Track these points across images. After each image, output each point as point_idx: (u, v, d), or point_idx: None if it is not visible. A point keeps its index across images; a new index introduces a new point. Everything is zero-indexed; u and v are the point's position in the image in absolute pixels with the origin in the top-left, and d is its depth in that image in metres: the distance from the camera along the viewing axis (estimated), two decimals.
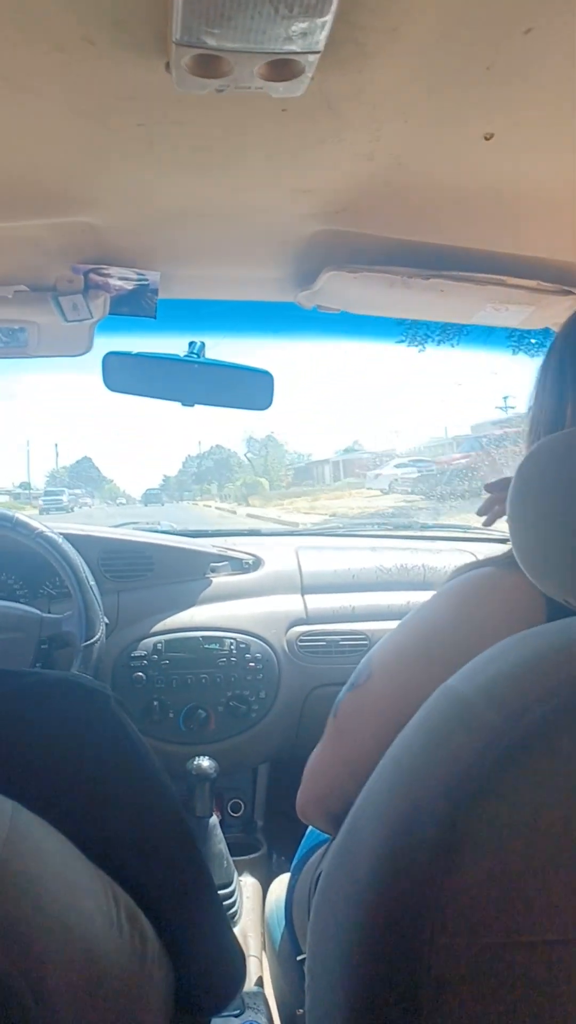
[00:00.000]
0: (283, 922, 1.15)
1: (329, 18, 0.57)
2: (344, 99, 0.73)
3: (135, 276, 1.14)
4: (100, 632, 1.51)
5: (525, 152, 0.84)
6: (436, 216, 1.00)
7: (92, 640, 1.49)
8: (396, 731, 0.61)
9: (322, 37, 0.59)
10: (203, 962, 0.69)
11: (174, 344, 1.28)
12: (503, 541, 2.03)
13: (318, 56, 0.62)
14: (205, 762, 1.40)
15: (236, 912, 1.47)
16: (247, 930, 1.47)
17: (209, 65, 0.63)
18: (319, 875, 1.03)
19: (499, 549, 2.03)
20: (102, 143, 0.81)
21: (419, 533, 2.27)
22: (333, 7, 0.56)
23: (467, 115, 0.77)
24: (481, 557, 1.89)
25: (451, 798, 0.49)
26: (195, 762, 1.42)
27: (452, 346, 1.35)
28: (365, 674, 0.83)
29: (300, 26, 0.58)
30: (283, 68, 0.64)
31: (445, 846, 0.48)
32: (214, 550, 1.91)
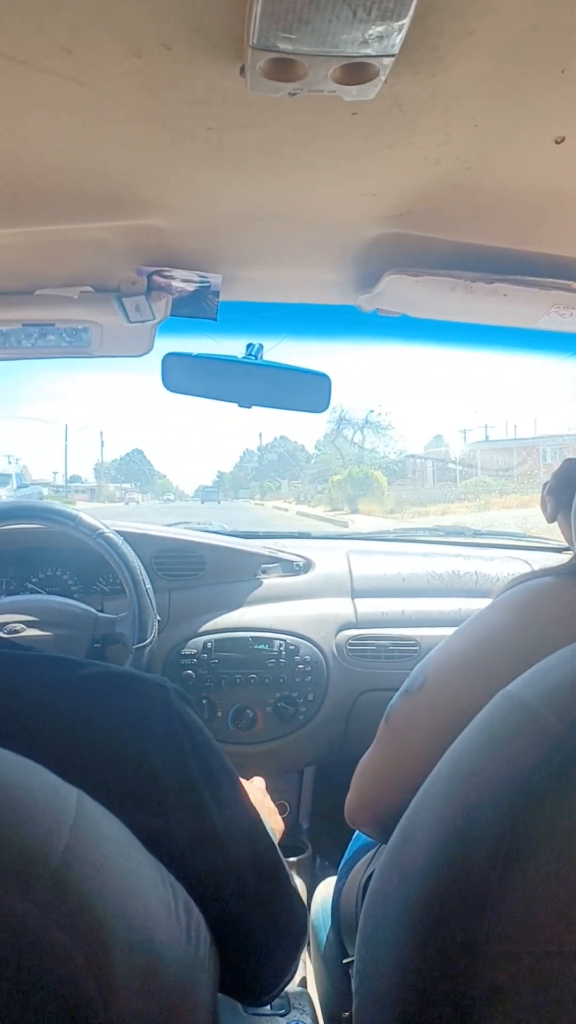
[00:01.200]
0: (329, 924, 1.15)
1: (406, 22, 0.57)
2: (415, 103, 0.73)
3: (197, 278, 1.15)
4: (152, 636, 1.53)
5: None
6: (501, 220, 0.99)
7: (145, 643, 1.51)
8: (450, 738, 0.61)
9: (398, 41, 0.60)
10: (249, 965, 0.69)
11: (232, 346, 1.29)
12: (559, 550, 2.01)
13: (392, 59, 0.62)
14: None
15: None
16: None
17: (284, 69, 0.64)
18: (367, 878, 1.03)
19: (554, 557, 2.01)
20: (173, 147, 0.82)
21: (471, 540, 2.25)
22: (411, 11, 0.56)
23: (538, 119, 0.76)
24: (535, 565, 1.87)
25: (510, 804, 0.48)
26: None
27: (512, 351, 1.34)
28: (419, 681, 0.83)
29: (377, 30, 0.58)
30: (357, 72, 0.64)
31: (503, 852, 0.47)
32: (265, 551, 1.92)
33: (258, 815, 0.74)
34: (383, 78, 0.65)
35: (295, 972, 0.78)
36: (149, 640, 1.51)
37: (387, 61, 0.62)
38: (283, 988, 0.78)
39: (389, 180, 0.90)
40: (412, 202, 0.95)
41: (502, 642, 0.79)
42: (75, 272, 1.16)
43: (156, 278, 1.15)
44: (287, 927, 0.75)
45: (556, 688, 0.53)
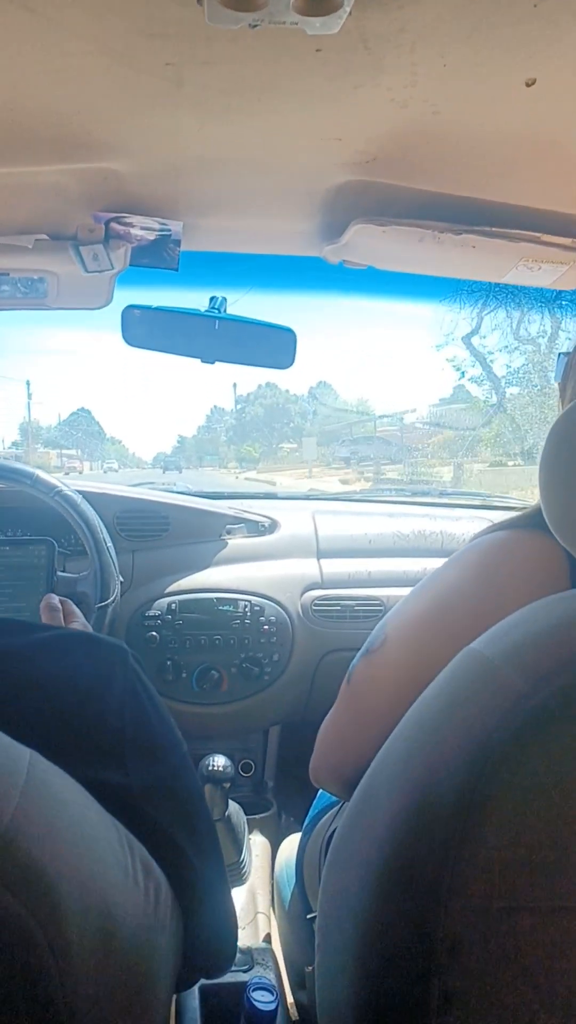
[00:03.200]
0: (293, 880, 1.16)
1: None
2: (381, 38, 0.70)
3: (157, 226, 1.11)
4: (115, 594, 1.51)
5: (569, 100, 0.81)
6: (471, 168, 0.97)
7: (107, 602, 1.49)
8: (411, 697, 0.61)
9: None
10: (208, 920, 0.69)
11: (195, 299, 1.26)
12: (522, 509, 2.01)
13: None
14: (221, 760, 1.38)
15: (245, 870, 1.48)
16: (256, 887, 1.49)
17: None
18: (331, 834, 1.04)
19: None
20: (128, 83, 0.78)
21: (438, 500, 2.26)
22: None
23: (509, 57, 0.73)
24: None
25: (473, 761, 0.48)
26: (210, 760, 1.39)
27: (481, 306, 1.32)
28: (380, 639, 0.82)
29: None
30: (320, 2, 0.61)
31: (465, 808, 0.47)
32: (230, 512, 1.90)
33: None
34: (347, 9, 0.62)
35: (236, 949, 0.79)
36: (112, 599, 1.49)
37: None
38: (232, 959, 0.78)
39: (355, 124, 0.87)
40: (379, 148, 0.92)
41: (461, 598, 0.78)
42: (29, 218, 1.11)
43: (115, 225, 1.10)
44: (225, 880, 0.76)
45: (519, 645, 0.52)
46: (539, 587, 0.72)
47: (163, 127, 0.89)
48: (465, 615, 0.75)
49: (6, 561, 1.43)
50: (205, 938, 0.69)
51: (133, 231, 1.11)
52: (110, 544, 1.54)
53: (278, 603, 1.72)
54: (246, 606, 1.70)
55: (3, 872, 0.40)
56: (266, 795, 1.89)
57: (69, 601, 1.14)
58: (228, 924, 0.75)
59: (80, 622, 1.10)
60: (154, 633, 1.67)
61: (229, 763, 1.37)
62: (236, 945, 0.78)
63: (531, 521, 0.80)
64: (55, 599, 1.13)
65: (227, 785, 1.36)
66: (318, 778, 0.88)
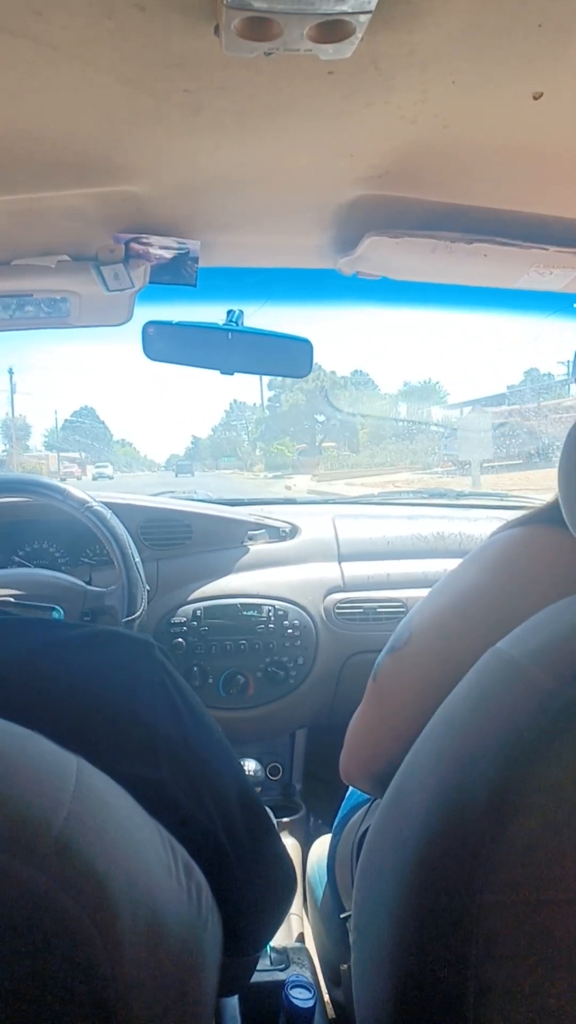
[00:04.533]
0: (325, 880, 1.18)
1: None
2: (392, 60, 0.72)
3: (175, 245, 1.14)
4: (142, 608, 1.53)
5: (573, 112, 0.83)
6: (480, 179, 0.98)
7: (135, 616, 1.51)
8: (437, 692, 0.62)
9: None
10: (246, 914, 0.71)
11: (213, 313, 1.28)
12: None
13: (369, 16, 0.61)
14: (251, 765, 1.38)
15: None
16: None
17: (259, 28, 0.62)
18: (362, 834, 1.05)
19: None
20: (147, 110, 0.81)
21: (455, 501, 2.26)
22: None
23: (515, 74, 0.75)
24: None
25: (503, 759, 0.49)
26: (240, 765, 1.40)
27: (493, 311, 1.34)
28: (404, 637, 0.84)
29: None
30: (333, 29, 0.63)
31: (496, 806, 0.49)
32: (251, 518, 1.92)
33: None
34: (359, 35, 0.64)
35: (279, 926, 0.80)
36: (139, 613, 1.51)
37: (363, 18, 0.61)
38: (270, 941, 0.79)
39: (367, 140, 0.89)
40: (391, 162, 0.94)
41: (483, 595, 0.79)
42: (52, 241, 1.14)
43: (134, 245, 1.13)
44: (277, 880, 0.77)
45: (545, 645, 0.54)
46: (559, 582, 0.74)
47: (181, 150, 0.91)
48: (486, 611, 0.77)
49: (38, 592, 1.45)
50: (243, 925, 0.70)
51: (152, 250, 1.14)
52: (138, 559, 1.56)
53: (301, 607, 1.74)
54: (270, 611, 1.72)
55: (59, 874, 0.42)
56: (295, 798, 1.90)
57: None
58: (268, 912, 0.76)
59: None
60: (180, 640, 1.69)
61: (259, 767, 1.38)
62: (274, 931, 0.79)
63: (548, 516, 0.81)
64: None
65: (258, 789, 1.37)
66: (348, 775, 0.90)
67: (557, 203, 1.04)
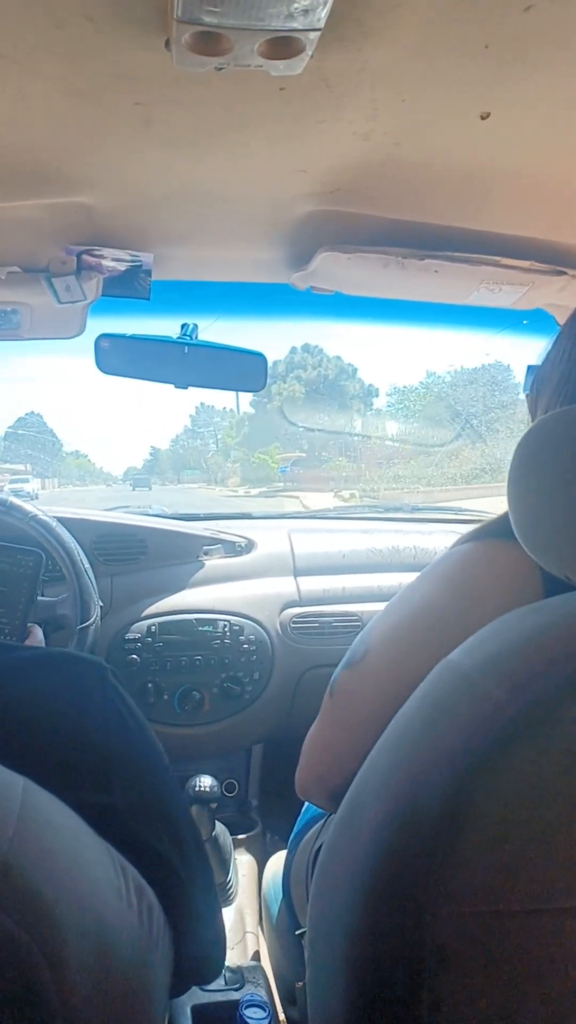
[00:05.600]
0: (280, 897, 1.17)
1: None
2: (342, 77, 0.73)
3: (128, 257, 1.14)
4: (95, 615, 1.51)
5: (521, 132, 0.85)
6: (431, 196, 1.00)
7: (88, 623, 1.49)
8: (394, 707, 0.62)
9: (323, 15, 0.59)
10: (197, 931, 0.70)
11: (167, 326, 1.28)
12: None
13: (319, 34, 0.62)
14: (207, 781, 1.37)
15: (232, 889, 1.48)
16: (243, 907, 1.49)
17: (209, 43, 0.63)
18: (317, 849, 1.05)
19: None
20: (99, 122, 0.80)
21: (410, 515, 2.28)
22: None
23: (464, 94, 0.77)
24: None
25: (454, 770, 0.49)
26: (196, 781, 1.38)
27: (445, 327, 1.36)
28: (361, 652, 0.83)
29: (302, 3, 0.57)
30: (283, 46, 0.63)
31: (448, 817, 0.48)
32: (206, 533, 1.91)
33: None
34: (309, 52, 0.65)
35: (224, 960, 0.80)
36: (92, 619, 1.49)
37: (313, 35, 0.62)
38: (220, 971, 0.79)
39: (319, 157, 0.90)
40: (343, 179, 0.95)
41: (438, 609, 0.79)
42: (1, 252, 1.13)
43: (86, 257, 1.12)
44: (214, 890, 0.77)
45: (495, 656, 0.54)
46: (511, 596, 0.74)
47: (132, 163, 0.91)
48: (441, 625, 0.77)
49: None
50: (195, 949, 0.70)
51: (105, 262, 1.13)
52: (88, 566, 1.54)
53: (257, 622, 1.73)
54: (225, 626, 1.71)
55: (3, 899, 0.41)
56: (250, 814, 1.89)
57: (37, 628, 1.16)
58: (216, 934, 0.76)
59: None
60: (135, 656, 1.67)
61: (215, 783, 1.37)
62: (224, 952, 0.78)
63: (501, 530, 0.82)
64: (39, 632, 1.15)
65: (214, 805, 1.36)
66: (304, 790, 0.89)
67: (506, 221, 1.06)
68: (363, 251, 1.07)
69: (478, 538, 0.83)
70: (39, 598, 1.50)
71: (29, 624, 1.18)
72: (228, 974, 1.12)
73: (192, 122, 0.81)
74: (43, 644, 1.15)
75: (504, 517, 0.83)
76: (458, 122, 0.82)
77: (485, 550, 0.81)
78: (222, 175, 0.95)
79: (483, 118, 0.81)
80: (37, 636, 1.16)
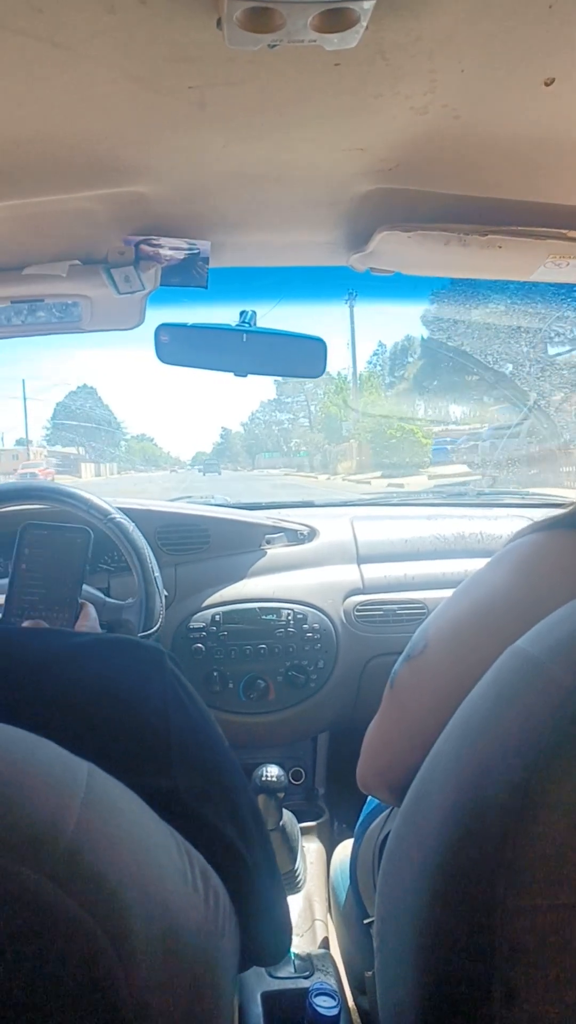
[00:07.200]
0: (348, 885, 1.17)
1: None
2: (399, 49, 0.71)
3: (186, 246, 1.13)
4: (159, 622, 1.51)
5: None
6: (493, 169, 0.97)
7: (151, 631, 1.50)
8: (454, 700, 0.61)
9: None
10: (263, 913, 0.70)
11: (225, 314, 1.28)
12: (562, 506, 2.00)
13: (372, 3, 0.60)
14: (274, 771, 1.37)
15: (300, 877, 1.49)
16: (312, 894, 1.49)
17: (261, 18, 0.61)
18: (383, 838, 1.04)
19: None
20: (153, 108, 0.80)
21: (475, 501, 2.25)
22: None
23: (526, 59, 0.74)
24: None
25: (523, 759, 0.48)
26: (263, 771, 1.38)
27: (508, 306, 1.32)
28: (421, 645, 0.82)
29: None
30: (337, 18, 0.62)
31: (517, 806, 0.47)
32: (269, 522, 1.91)
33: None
34: (364, 24, 0.63)
35: (291, 931, 0.80)
36: (156, 628, 1.50)
37: (367, 5, 0.60)
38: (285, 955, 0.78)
39: (376, 133, 0.88)
40: (401, 155, 0.93)
41: (501, 601, 0.78)
42: (61, 245, 1.14)
43: (144, 247, 1.13)
44: (278, 875, 0.76)
45: (563, 642, 0.52)
46: None
47: (188, 148, 0.90)
48: (506, 617, 0.75)
49: (42, 544, 1.42)
50: (261, 931, 0.69)
51: (162, 251, 1.13)
52: (157, 573, 1.54)
53: (321, 610, 1.73)
54: (289, 614, 1.71)
55: (69, 883, 0.41)
56: (318, 802, 1.89)
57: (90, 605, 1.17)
58: (282, 916, 0.76)
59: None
60: (199, 645, 1.69)
61: (282, 772, 1.37)
62: (290, 937, 0.78)
63: (570, 521, 0.79)
64: (92, 609, 1.16)
65: (281, 795, 1.36)
66: (365, 784, 0.88)
67: (572, 192, 1.03)
68: (424, 229, 1.04)
69: (545, 528, 0.81)
70: (107, 599, 1.51)
71: (81, 601, 1.20)
72: (297, 962, 1.12)
73: (246, 103, 0.80)
74: (96, 622, 1.16)
75: (572, 508, 0.80)
76: (521, 90, 0.79)
77: (553, 539, 0.79)
78: (278, 156, 0.93)
79: (547, 84, 0.77)
80: (91, 614, 1.17)
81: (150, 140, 0.88)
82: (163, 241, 1.12)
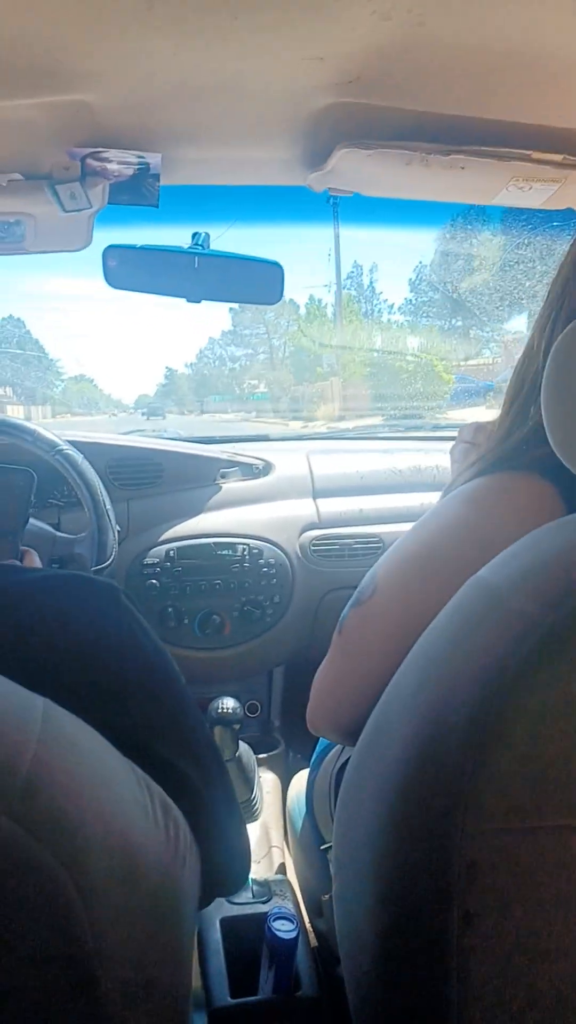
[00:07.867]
0: (304, 812, 1.19)
1: None
2: None
3: (135, 160, 1.07)
4: (112, 556, 1.48)
5: (559, 8, 0.77)
6: (458, 83, 0.93)
7: (104, 565, 1.47)
8: (403, 644, 0.61)
9: None
10: (221, 843, 0.70)
11: (178, 235, 1.22)
12: None
13: None
14: (230, 703, 1.38)
15: (257, 806, 1.51)
16: (269, 823, 1.52)
17: None
18: (340, 767, 1.05)
19: None
20: (97, 7, 0.74)
21: (431, 434, 2.24)
22: None
23: None
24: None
25: (484, 687, 0.48)
26: (219, 703, 1.39)
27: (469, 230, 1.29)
28: (369, 589, 0.81)
29: None
30: None
31: (477, 734, 0.47)
32: (223, 456, 1.89)
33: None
34: None
35: (249, 871, 0.81)
36: (109, 562, 1.47)
37: None
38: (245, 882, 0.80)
39: (336, 40, 0.83)
40: (362, 66, 0.89)
41: (451, 543, 0.76)
42: (1, 158, 1.07)
43: (91, 161, 1.06)
44: (236, 804, 0.77)
45: (527, 571, 0.52)
46: (531, 529, 0.71)
47: (135, 53, 0.84)
48: (454, 562, 0.74)
49: None
50: (221, 861, 0.70)
51: (110, 166, 1.07)
52: (109, 506, 1.50)
53: (276, 545, 1.72)
54: (244, 549, 1.70)
55: (27, 819, 0.40)
56: (273, 734, 1.92)
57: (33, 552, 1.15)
58: (241, 846, 0.76)
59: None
60: (154, 581, 1.67)
61: (238, 705, 1.38)
62: (249, 865, 0.79)
63: (521, 463, 0.78)
64: (36, 557, 1.14)
65: (237, 727, 1.37)
66: (315, 726, 0.88)
67: (539, 110, 0.99)
68: (384, 147, 1.00)
69: (488, 471, 0.79)
70: (57, 534, 1.48)
71: (23, 548, 1.16)
72: (255, 888, 1.14)
73: (197, 3, 0.74)
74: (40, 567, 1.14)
75: (509, 449, 0.79)
76: None
77: (505, 481, 0.77)
78: (232, 65, 0.88)
79: None
80: (35, 561, 1.15)
81: (93, 42, 0.82)
82: (111, 155, 1.06)
